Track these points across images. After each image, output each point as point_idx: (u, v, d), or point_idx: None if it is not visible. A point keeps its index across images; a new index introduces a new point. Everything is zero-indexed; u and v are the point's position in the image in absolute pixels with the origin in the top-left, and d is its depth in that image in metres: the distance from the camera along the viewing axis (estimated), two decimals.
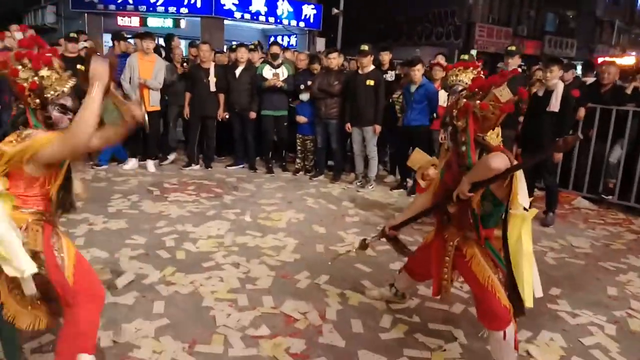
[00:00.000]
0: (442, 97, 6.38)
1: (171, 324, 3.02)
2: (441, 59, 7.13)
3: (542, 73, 5.60)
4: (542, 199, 5.75)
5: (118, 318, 3.04)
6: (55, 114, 2.20)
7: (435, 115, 6.20)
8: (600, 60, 16.73)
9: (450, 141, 2.59)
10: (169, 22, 16.44)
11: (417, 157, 4.50)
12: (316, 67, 7.06)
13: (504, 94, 2.40)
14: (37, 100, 2.16)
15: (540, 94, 5.40)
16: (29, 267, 2.00)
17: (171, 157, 7.50)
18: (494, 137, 2.63)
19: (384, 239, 3.21)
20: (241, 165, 7.35)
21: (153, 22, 16.57)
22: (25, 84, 2.12)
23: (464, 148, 2.49)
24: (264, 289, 3.56)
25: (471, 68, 3.56)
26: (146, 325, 2.98)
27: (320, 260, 4.11)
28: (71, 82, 2.23)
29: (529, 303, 2.41)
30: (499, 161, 2.32)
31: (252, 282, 3.65)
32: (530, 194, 5.68)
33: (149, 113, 6.41)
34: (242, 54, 7.00)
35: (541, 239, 4.94)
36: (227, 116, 7.10)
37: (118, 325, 2.96)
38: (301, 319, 3.17)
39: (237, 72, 6.97)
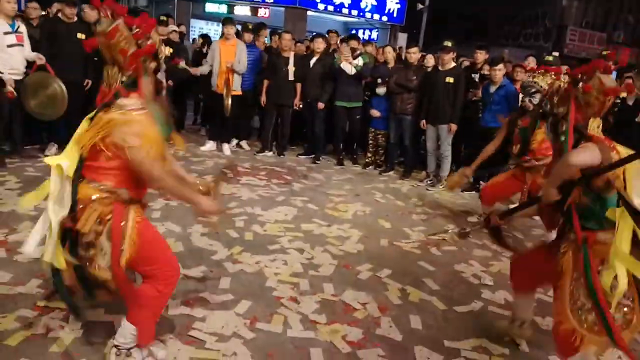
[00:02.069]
0: None
1: (235, 300, 3.14)
2: (532, 61, 6.82)
3: (632, 81, 5.23)
4: None
5: (186, 290, 3.20)
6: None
7: None
8: None
9: (550, 132, 2.47)
10: (223, 8, 16.96)
11: None
12: (413, 50, 6.72)
13: (608, 81, 2.32)
14: (153, 64, 2.21)
15: (631, 102, 5.06)
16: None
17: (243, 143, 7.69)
18: (594, 126, 2.41)
19: (485, 230, 3.06)
20: (312, 155, 7.44)
21: (210, 7, 17.26)
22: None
23: (562, 138, 2.35)
24: (326, 276, 3.61)
25: (552, 73, 3.37)
26: (212, 299, 3.12)
27: (383, 254, 4.11)
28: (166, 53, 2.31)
29: None
30: (581, 156, 2.14)
31: (314, 268, 3.72)
32: None
33: (233, 97, 6.72)
34: (319, 45, 7.01)
35: None
36: (301, 105, 7.21)
37: (186, 296, 3.12)
38: (360, 309, 3.20)
39: (312, 62, 7.03)
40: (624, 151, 2.26)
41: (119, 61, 2.12)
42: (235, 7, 17.28)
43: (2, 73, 5.10)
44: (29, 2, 6.34)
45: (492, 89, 5.88)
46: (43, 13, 6.49)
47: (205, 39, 9.26)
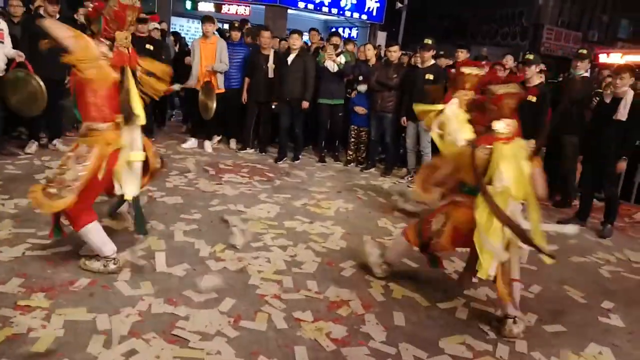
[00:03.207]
0: None
1: (218, 298, 3.12)
2: (510, 60, 6.93)
3: (612, 80, 5.35)
4: (601, 210, 5.52)
5: (169, 288, 3.18)
6: None
7: None
8: (602, 56, 14.39)
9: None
10: (188, 5, 17.17)
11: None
12: (394, 49, 6.69)
13: (499, 89, 3.05)
14: None
15: (608, 100, 5.17)
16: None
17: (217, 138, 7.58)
18: (501, 127, 3.03)
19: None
20: (285, 158, 7.04)
21: (189, 5, 17.26)
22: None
23: None
24: (309, 273, 3.62)
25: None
26: (195, 297, 3.10)
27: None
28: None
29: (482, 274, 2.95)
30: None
31: (298, 265, 3.72)
32: (590, 204, 5.51)
33: (215, 95, 6.64)
34: (295, 41, 6.77)
35: (597, 251, 4.74)
36: (274, 104, 7.00)
37: (168, 294, 3.10)
38: (344, 306, 3.21)
39: (290, 59, 6.78)
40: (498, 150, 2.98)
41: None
42: (199, 4, 17.23)
43: None
44: None
45: None
46: (24, 10, 6.36)
47: (176, 36, 9.31)
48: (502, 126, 3.02)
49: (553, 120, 5.32)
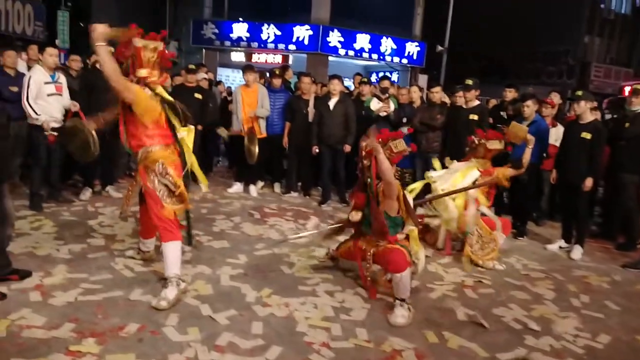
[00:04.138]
0: (554, 136, 6.01)
1: (265, 346, 3.03)
2: (556, 97, 6.77)
3: None
4: None
5: (216, 333, 3.11)
6: None
7: (545, 154, 5.84)
8: (627, 89, 14.05)
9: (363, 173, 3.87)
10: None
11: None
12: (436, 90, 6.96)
13: (398, 145, 3.81)
14: None
15: None
16: None
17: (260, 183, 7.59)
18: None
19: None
20: (328, 200, 6.95)
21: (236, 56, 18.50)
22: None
23: (369, 180, 3.77)
24: (358, 320, 3.48)
25: None
26: (242, 344, 3.02)
27: (418, 297, 3.94)
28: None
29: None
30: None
31: (346, 312, 3.58)
32: None
33: (258, 140, 6.75)
34: (335, 86, 6.85)
35: None
36: (317, 150, 6.93)
37: (215, 340, 3.03)
38: (397, 357, 3.04)
39: (331, 104, 6.80)
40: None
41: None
42: (232, 54, 18.13)
43: (38, 116, 5.24)
44: (71, 54, 6.60)
45: (524, 124, 5.77)
46: (82, 65, 6.75)
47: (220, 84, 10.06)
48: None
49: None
